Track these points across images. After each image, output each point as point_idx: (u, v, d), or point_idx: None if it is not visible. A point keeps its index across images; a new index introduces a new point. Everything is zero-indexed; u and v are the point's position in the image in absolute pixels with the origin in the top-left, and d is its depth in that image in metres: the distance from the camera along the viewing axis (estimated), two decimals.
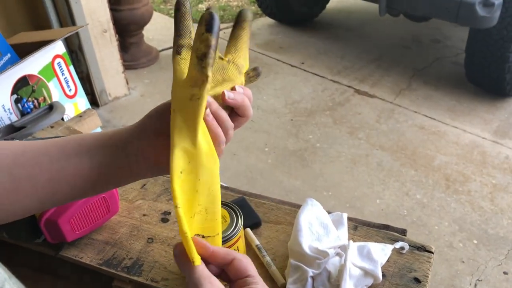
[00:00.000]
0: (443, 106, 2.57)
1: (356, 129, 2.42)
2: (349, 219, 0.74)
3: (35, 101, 1.48)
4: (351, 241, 0.65)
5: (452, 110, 2.54)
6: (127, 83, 2.62)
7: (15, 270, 0.88)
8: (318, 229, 0.69)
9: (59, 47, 1.59)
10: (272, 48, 3.19)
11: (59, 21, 2.26)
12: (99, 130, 1.42)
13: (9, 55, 1.51)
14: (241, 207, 0.72)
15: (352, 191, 2.06)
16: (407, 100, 2.63)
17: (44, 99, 1.51)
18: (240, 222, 0.65)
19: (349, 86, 2.75)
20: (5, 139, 1.16)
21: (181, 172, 0.43)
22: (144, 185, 0.87)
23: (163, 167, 0.49)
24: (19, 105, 1.42)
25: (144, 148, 0.48)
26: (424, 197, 2.02)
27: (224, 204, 0.69)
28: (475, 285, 1.65)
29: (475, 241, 1.81)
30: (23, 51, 1.49)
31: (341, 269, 0.62)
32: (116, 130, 0.50)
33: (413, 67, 2.92)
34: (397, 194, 2.04)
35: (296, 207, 0.79)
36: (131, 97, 2.63)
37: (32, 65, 1.45)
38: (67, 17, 2.24)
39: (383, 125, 2.44)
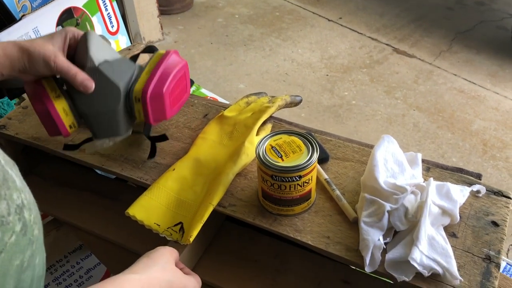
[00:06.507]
0: (484, 71, 2.48)
1: (393, 88, 2.36)
2: (422, 160, 0.72)
3: None
4: (431, 179, 0.63)
5: (494, 75, 2.45)
6: (162, 28, 2.57)
7: (80, 194, 0.88)
8: (393, 166, 0.67)
9: None
10: (309, 1, 3.10)
11: None
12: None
13: None
14: None
15: None
16: (447, 63, 2.55)
17: None
18: (316, 152, 0.63)
19: (387, 45, 2.67)
20: None
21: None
22: (206, 115, 0.86)
23: None
24: None
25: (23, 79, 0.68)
26: (460, 160, 1.98)
27: (298, 134, 0.67)
28: None
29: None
30: None
31: (421, 206, 0.61)
32: None
33: (455, 29, 2.81)
34: (432, 155, 2.01)
35: (365, 146, 0.77)
36: (165, 42, 2.60)
37: None
38: None
39: (421, 86, 2.38)
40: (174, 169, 0.74)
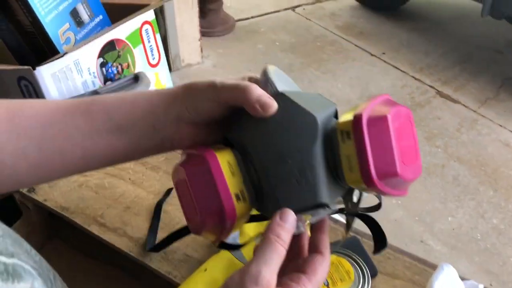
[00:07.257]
0: None
1: (434, 135, 2.26)
2: None
3: (119, 66, 1.44)
4: None
5: None
6: (201, 51, 2.54)
7: (102, 267, 0.83)
8: None
9: (149, 13, 1.53)
10: (352, 33, 3.02)
11: None
12: None
13: (101, 16, 1.47)
14: (355, 251, 0.64)
15: (423, 204, 1.93)
16: (492, 112, 2.43)
17: (128, 66, 1.46)
18: (367, 283, 0.57)
19: (431, 86, 2.57)
20: None
21: None
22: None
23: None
24: (103, 69, 1.38)
25: (180, 135, 0.46)
26: (502, 223, 1.87)
27: (346, 255, 0.60)
28: None
29: None
30: (113, 13, 1.44)
31: None
32: (146, 105, 0.46)
33: (503, 75, 2.69)
34: (471, 214, 1.90)
35: (417, 261, 0.70)
36: (204, 66, 2.56)
37: (121, 29, 1.40)
38: None
39: (464, 135, 2.27)
40: (205, 270, 0.68)
